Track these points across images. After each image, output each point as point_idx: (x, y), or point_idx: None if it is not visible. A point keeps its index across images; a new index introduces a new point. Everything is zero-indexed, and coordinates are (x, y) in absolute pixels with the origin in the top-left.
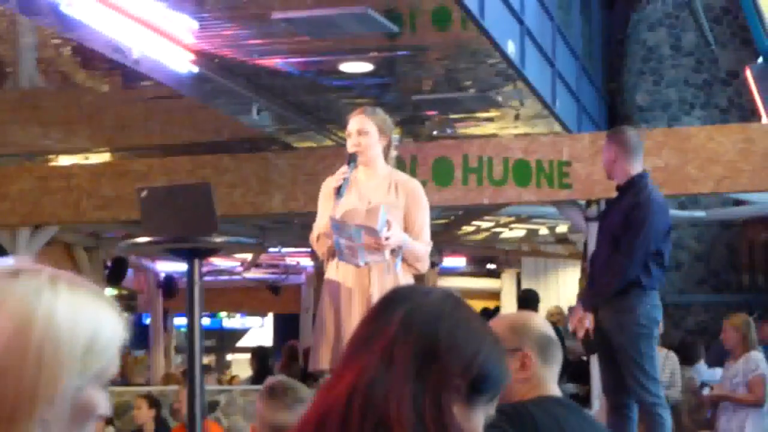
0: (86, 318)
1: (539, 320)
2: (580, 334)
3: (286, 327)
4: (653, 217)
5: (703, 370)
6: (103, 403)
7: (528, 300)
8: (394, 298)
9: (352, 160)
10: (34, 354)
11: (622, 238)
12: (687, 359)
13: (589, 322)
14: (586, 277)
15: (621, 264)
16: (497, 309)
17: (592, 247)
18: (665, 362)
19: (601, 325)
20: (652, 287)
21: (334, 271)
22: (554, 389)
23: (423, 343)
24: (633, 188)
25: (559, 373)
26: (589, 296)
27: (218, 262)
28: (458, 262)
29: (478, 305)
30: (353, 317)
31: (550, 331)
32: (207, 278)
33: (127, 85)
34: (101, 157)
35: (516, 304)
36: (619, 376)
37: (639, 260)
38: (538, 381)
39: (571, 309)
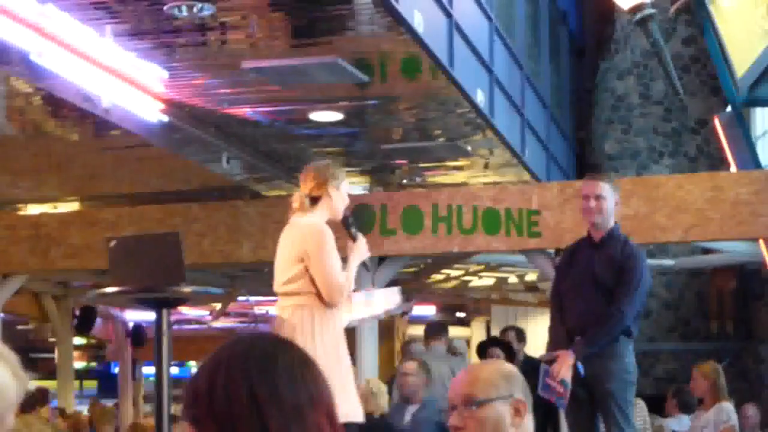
0: None
1: (516, 369)
2: (568, 380)
3: None
4: (645, 269)
5: (685, 421)
6: None
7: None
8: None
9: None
10: None
11: (618, 288)
12: (685, 408)
13: (582, 370)
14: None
15: (624, 314)
16: None
17: None
18: (636, 411)
19: (591, 372)
20: (633, 336)
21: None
22: None
23: None
24: (616, 238)
25: None
26: (584, 345)
27: (187, 310)
28: (428, 310)
29: None
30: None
31: None
32: (176, 327)
33: (98, 135)
34: (70, 206)
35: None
36: (590, 426)
37: (635, 311)
38: (526, 429)
39: (550, 357)
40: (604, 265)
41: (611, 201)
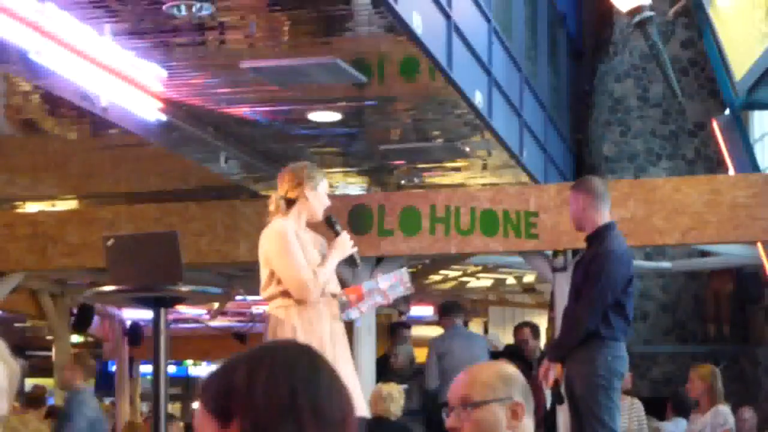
0: None
1: (517, 371)
2: (546, 384)
3: None
4: (610, 268)
5: (682, 424)
6: None
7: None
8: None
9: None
10: None
11: (582, 290)
12: (682, 411)
13: (553, 373)
14: (554, 328)
15: (577, 316)
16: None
17: (558, 297)
18: (630, 411)
19: (567, 375)
20: (613, 338)
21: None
22: None
23: None
24: (598, 239)
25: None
26: (551, 348)
27: (184, 309)
28: (425, 311)
29: None
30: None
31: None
32: (173, 326)
33: (96, 133)
34: (68, 205)
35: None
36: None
37: (596, 312)
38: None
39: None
40: (578, 267)
41: (573, 205)
